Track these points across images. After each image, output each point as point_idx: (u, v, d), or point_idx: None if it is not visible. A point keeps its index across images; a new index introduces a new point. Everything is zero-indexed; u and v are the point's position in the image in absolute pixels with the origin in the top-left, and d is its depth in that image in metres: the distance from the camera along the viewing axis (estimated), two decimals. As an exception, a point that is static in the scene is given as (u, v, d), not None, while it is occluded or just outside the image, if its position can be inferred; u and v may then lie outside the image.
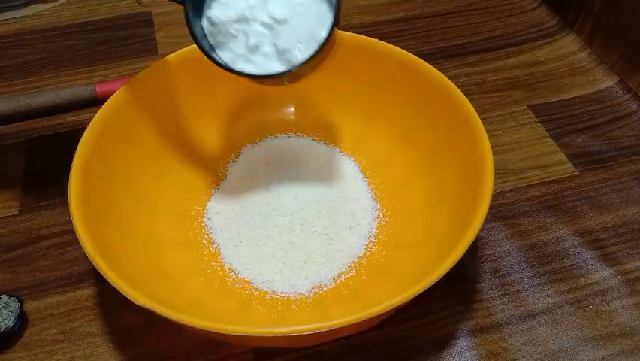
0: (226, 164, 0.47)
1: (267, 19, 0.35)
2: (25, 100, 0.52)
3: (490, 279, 0.41)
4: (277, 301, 0.39)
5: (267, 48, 0.36)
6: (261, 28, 0.35)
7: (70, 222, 0.34)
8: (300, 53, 0.35)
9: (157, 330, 0.38)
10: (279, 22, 0.35)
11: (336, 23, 0.34)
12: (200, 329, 0.30)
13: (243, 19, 0.35)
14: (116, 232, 0.38)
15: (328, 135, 0.48)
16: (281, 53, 0.36)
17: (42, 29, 0.63)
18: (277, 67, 0.36)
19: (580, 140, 0.51)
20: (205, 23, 0.36)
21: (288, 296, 0.39)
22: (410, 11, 0.65)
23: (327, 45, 0.35)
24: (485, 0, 0.66)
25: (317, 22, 0.35)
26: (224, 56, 0.36)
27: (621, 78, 0.55)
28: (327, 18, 0.35)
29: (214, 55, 0.36)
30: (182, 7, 0.35)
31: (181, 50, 0.44)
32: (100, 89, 0.53)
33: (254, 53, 0.36)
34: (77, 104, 0.53)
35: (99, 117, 0.40)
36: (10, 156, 0.50)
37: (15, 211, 0.46)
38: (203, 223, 0.43)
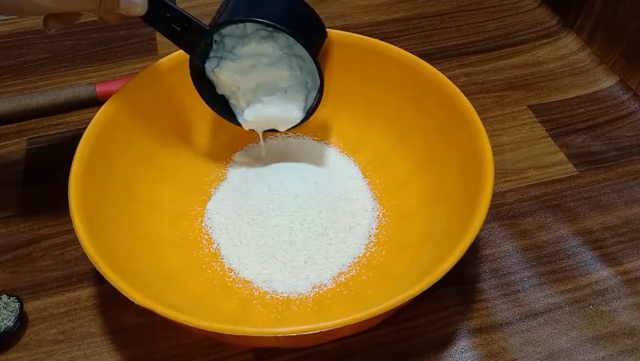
0: (226, 164, 0.47)
1: (249, 97, 0.42)
2: (25, 100, 0.52)
3: (490, 279, 0.41)
4: (277, 301, 0.39)
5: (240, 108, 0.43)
6: (243, 101, 0.42)
7: (70, 222, 0.34)
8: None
9: (157, 330, 0.39)
10: (259, 101, 0.42)
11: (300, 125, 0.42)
12: (200, 329, 0.31)
13: (236, 87, 0.42)
14: (116, 232, 0.38)
15: (328, 135, 0.48)
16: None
17: (42, 29, 0.62)
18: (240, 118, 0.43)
19: (580, 140, 0.51)
20: (208, 70, 0.41)
21: (288, 296, 0.39)
22: (410, 11, 0.65)
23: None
24: (485, 0, 0.66)
25: (285, 117, 0.42)
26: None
27: (621, 78, 0.55)
28: (295, 119, 0.42)
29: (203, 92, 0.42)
30: None
31: (181, 50, 0.44)
32: (100, 89, 0.53)
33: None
34: (77, 104, 0.53)
35: (99, 117, 0.40)
36: (10, 156, 0.50)
37: (15, 211, 0.46)
38: (203, 223, 0.43)
